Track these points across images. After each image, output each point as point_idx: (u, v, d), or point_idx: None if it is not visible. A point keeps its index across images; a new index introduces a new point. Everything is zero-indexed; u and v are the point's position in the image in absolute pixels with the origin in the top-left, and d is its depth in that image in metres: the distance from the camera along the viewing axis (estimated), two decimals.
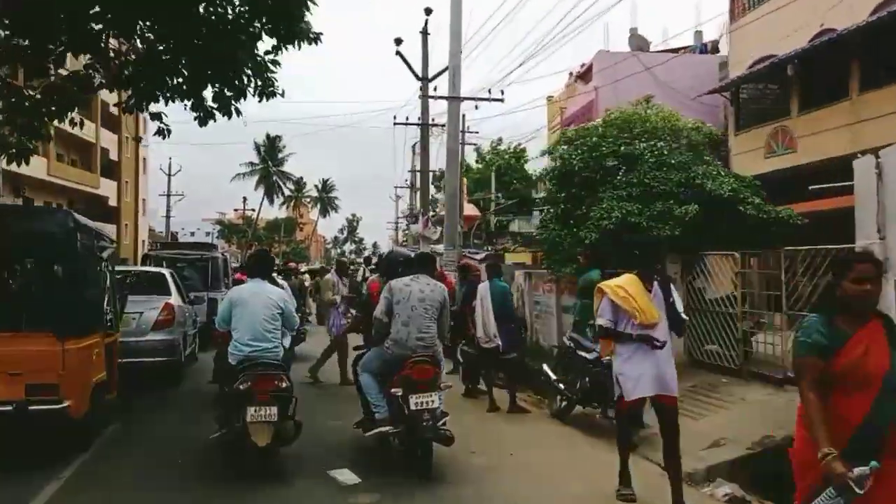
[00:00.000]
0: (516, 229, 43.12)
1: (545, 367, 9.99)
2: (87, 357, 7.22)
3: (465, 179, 55.80)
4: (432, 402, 6.39)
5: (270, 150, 73.40)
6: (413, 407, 6.34)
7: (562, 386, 9.41)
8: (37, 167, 38.19)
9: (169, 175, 52.19)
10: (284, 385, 6.46)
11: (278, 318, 6.83)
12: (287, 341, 7.37)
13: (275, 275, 11.36)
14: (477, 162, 60.35)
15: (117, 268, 11.75)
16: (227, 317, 6.82)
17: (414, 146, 23.55)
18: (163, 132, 11.77)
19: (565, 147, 12.43)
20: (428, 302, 6.77)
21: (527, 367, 10.80)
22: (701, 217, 10.46)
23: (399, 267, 7.59)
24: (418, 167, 27.16)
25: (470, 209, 51.11)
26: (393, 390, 6.52)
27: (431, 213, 48.29)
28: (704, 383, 10.33)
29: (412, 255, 8.36)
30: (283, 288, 11.44)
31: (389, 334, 6.77)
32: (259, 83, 11.03)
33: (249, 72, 10.88)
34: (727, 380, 10.25)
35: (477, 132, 39.34)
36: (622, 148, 11.75)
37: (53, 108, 11.32)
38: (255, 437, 6.13)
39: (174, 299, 11.93)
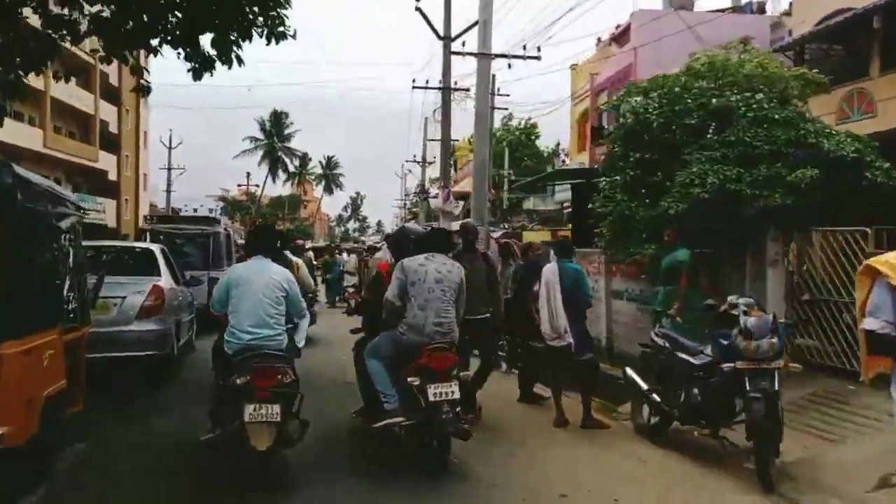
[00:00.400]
0: (531, 207, 41.06)
1: (629, 371, 7.87)
2: (33, 363, 5.10)
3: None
4: (452, 392, 5.86)
5: (276, 125, 70.96)
6: (432, 398, 5.80)
7: (656, 398, 7.27)
8: (32, 138, 36.19)
9: (170, 148, 49.87)
10: (288, 379, 5.61)
11: (282, 302, 5.93)
12: (302, 331, 6.46)
13: (288, 252, 10.23)
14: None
15: (101, 243, 10.71)
16: (223, 298, 5.92)
17: (434, 112, 20.98)
18: (144, 90, 10.21)
19: (638, 99, 10.16)
20: (446, 283, 6.23)
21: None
22: (819, 183, 8.27)
23: (410, 245, 6.85)
24: (433, 137, 24.95)
25: None
26: (410, 379, 5.95)
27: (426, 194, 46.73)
28: (825, 391, 8.22)
29: (424, 232, 7.46)
30: (297, 267, 9.93)
31: (404, 318, 6.19)
32: (267, 22, 8.96)
33: (256, 7, 8.83)
34: (853, 386, 8.11)
35: (507, 95, 36.74)
36: (713, 101, 9.51)
37: (27, 58, 9.32)
38: (254, 440, 5.30)
39: (165, 281, 9.84)
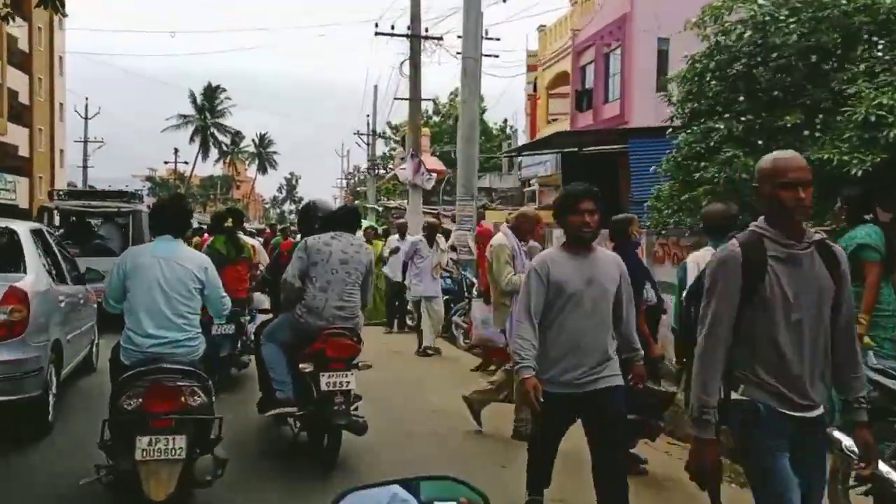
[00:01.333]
0: (487, 185, 37.86)
1: (837, 434, 4.40)
2: None
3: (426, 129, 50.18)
4: (347, 382, 5.24)
5: (209, 100, 65.63)
6: (324, 387, 5.18)
7: None
8: None
9: (86, 118, 44.40)
10: (197, 401, 4.23)
11: (195, 297, 4.59)
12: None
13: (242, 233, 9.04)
14: (436, 114, 54.74)
15: None
16: (118, 293, 4.54)
17: (401, 65, 17.27)
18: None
19: (759, 3, 6.75)
20: (352, 265, 5.63)
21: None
22: None
23: (316, 223, 6.04)
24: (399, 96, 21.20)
25: (434, 163, 45.47)
26: (301, 366, 5.35)
27: (389, 166, 42.64)
28: None
29: (332, 209, 6.47)
30: (254, 250, 8.80)
31: (303, 300, 5.54)
32: None
33: None
34: None
35: (498, 39, 33.03)
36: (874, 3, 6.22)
37: None
38: (149, 486, 3.98)
39: (33, 279, 6.07)
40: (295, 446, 5.78)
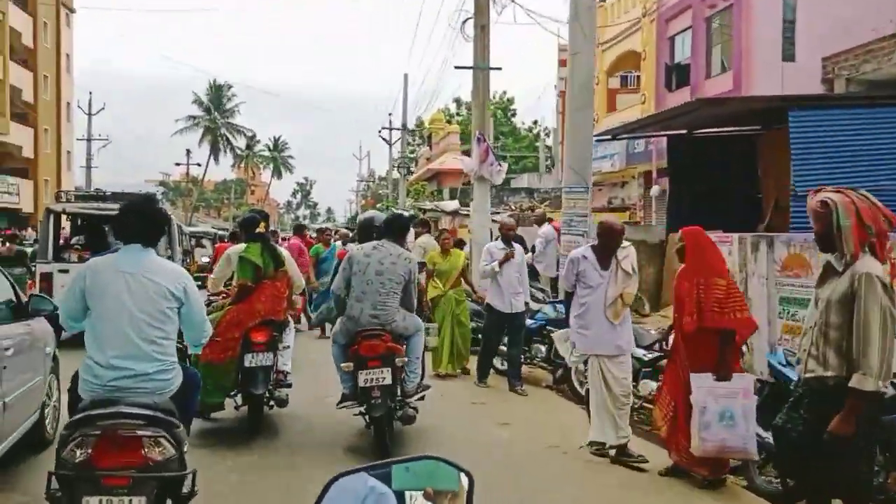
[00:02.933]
0: (526, 184, 34.48)
1: None
2: None
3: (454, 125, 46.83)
4: (383, 378, 5.72)
5: (216, 99, 62.30)
6: (362, 383, 5.76)
7: None
8: None
9: (89, 114, 40.92)
10: (162, 455, 3.38)
11: (171, 319, 3.75)
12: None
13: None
14: (457, 113, 51.43)
15: None
16: (75, 311, 3.75)
17: (463, 24, 13.67)
18: None
19: None
20: (386, 276, 6.02)
21: None
22: None
23: (374, 234, 6.71)
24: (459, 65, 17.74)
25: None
26: (343, 365, 5.98)
27: (407, 170, 39.33)
28: None
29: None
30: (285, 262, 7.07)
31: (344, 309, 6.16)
32: None
33: None
34: None
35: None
36: None
37: None
38: None
39: None
40: None
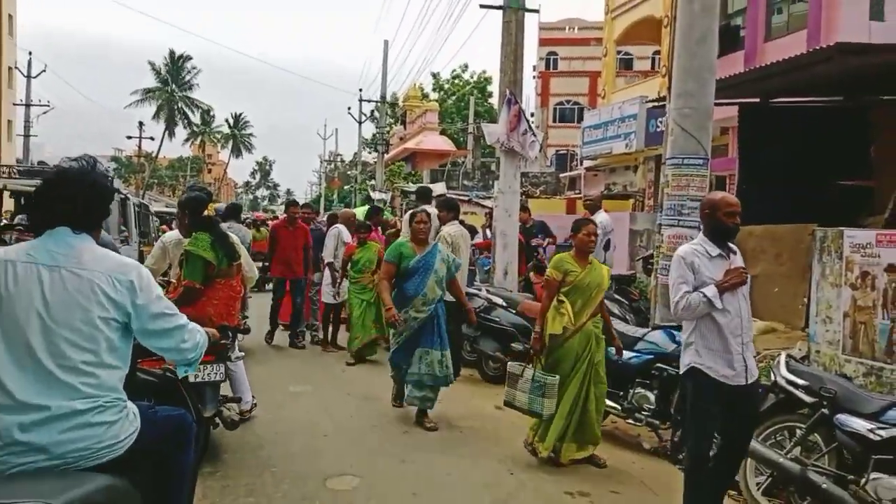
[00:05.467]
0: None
1: None
2: None
3: (433, 102, 43.74)
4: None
5: (175, 70, 57.96)
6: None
7: None
8: None
9: (28, 76, 36.50)
10: None
11: (109, 333, 2.54)
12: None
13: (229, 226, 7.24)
14: (434, 90, 48.40)
15: None
16: None
17: None
18: None
19: None
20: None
21: None
22: None
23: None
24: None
25: (443, 142, 39.26)
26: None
27: (385, 146, 35.95)
28: None
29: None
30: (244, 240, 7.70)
31: None
32: None
33: None
34: None
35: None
36: None
37: None
38: None
39: None
40: None
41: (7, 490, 2.13)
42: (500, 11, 10.80)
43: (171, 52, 58.37)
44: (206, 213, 5.47)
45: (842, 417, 4.41)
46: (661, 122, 17.39)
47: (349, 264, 9.45)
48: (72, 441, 2.37)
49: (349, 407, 7.01)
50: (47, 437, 2.34)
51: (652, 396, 5.97)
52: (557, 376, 5.40)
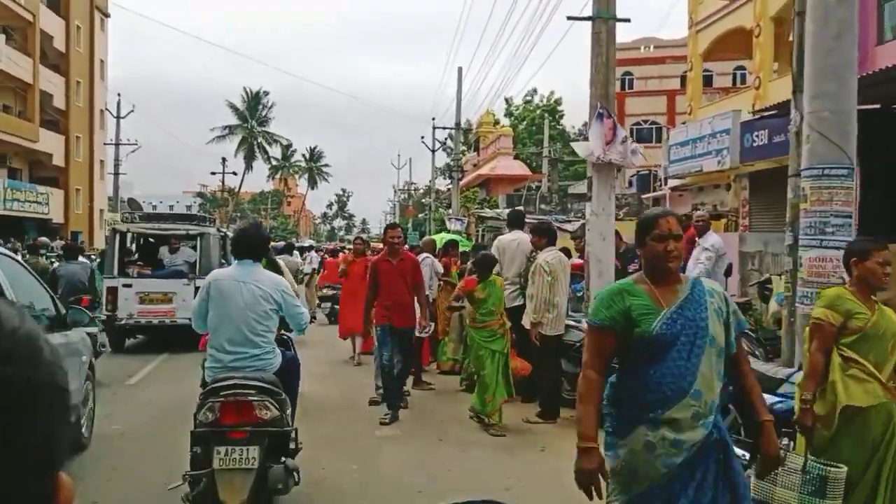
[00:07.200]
0: (585, 190, 30.48)
1: None
2: None
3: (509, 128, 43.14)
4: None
5: (253, 106, 59.20)
6: None
7: None
8: None
9: (118, 117, 37.70)
10: (269, 415, 4.32)
11: (272, 317, 4.76)
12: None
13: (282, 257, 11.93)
14: (506, 115, 47.79)
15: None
16: (202, 313, 4.78)
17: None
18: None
19: None
20: None
21: None
22: None
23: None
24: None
25: (518, 167, 38.44)
26: None
27: (460, 173, 35.29)
28: None
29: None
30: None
31: None
32: None
33: None
34: None
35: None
36: None
37: None
38: (225, 493, 4.12)
39: None
40: None
41: (235, 377, 4.39)
42: (589, 23, 9.97)
43: (247, 89, 59.73)
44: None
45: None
46: (757, 137, 16.14)
47: (463, 301, 7.51)
48: (254, 365, 4.56)
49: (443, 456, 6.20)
50: (244, 363, 4.54)
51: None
52: (844, 467, 3.74)
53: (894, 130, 9.46)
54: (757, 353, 6.77)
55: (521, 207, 24.22)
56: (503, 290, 7.39)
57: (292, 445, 4.53)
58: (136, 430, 6.82)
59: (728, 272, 8.57)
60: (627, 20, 9.97)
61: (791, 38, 13.39)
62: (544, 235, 7.65)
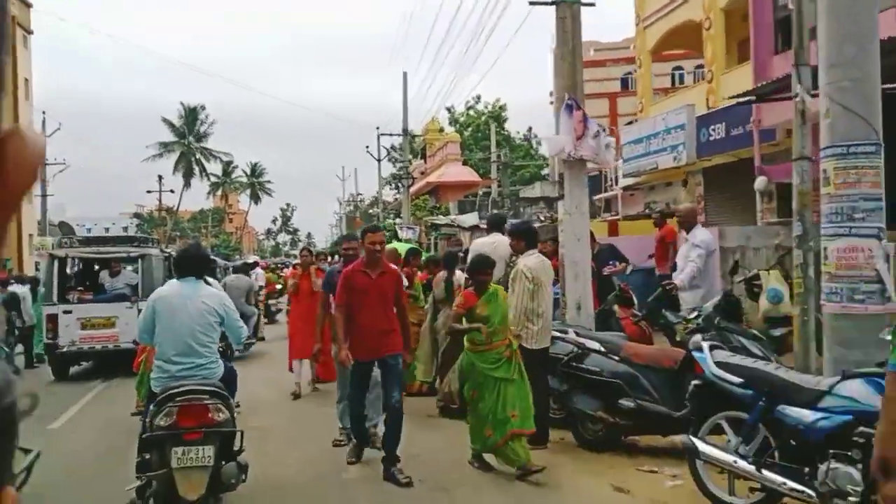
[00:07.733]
0: (538, 193, 29.93)
1: None
2: None
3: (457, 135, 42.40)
4: None
5: (190, 122, 57.21)
6: None
7: None
8: None
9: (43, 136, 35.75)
10: (221, 417, 4.71)
11: (216, 329, 5.09)
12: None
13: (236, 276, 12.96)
14: (450, 123, 47.08)
15: None
16: (149, 327, 5.09)
17: None
18: None
19: None
20: None
21: None
22: None
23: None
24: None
25: (467, 173, 37.71)
26: None
27: (410, 181, 34.41)
28: None
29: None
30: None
31: None
32: None
33: None
34: None
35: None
36: None
37: None
38: (184, 489, 4.49)
39: None
40: None
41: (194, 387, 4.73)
42: (551, 8, 9.22)
43: (184, 104, 57.75)
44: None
45: (784, 409, 4.30)
46: (713, 131, 15.71)
47: (461, 320, 6.05)
48: (201, 375, 4.88)
49: None
50: (191, 373, 4.86)
51: (857, 474, 4.18)
52: None
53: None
54: (772, 359, 6.01)
55: (466, 215, 23.44)
56: (506, 304, 6.21)
57: (237, 446, 4.89)
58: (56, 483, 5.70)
59: (734, 270, 7.84)
60: (592, 4, 9.26)
61: (749, 21, 12.83)
62: (522, 238, 6.77)
